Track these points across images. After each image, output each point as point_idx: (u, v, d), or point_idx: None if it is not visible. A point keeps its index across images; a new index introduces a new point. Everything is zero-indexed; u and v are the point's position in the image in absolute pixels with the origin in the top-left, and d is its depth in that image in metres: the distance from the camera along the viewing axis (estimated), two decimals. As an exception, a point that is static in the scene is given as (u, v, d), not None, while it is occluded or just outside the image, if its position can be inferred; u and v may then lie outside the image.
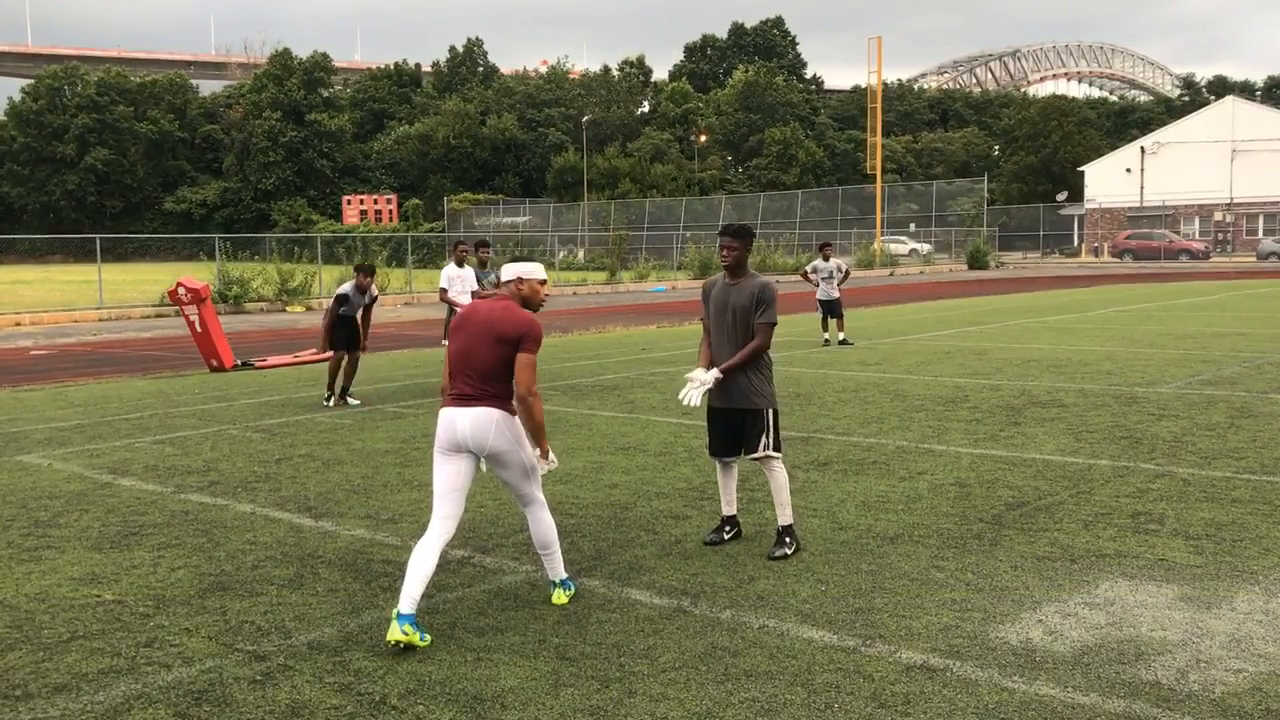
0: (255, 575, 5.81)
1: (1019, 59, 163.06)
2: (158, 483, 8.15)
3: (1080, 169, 77.83)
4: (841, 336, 17.69)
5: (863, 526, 6.54)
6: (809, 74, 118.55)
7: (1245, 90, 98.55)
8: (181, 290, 16.48)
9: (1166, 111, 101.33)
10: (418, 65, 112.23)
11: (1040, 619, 4.89)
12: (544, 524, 5.20)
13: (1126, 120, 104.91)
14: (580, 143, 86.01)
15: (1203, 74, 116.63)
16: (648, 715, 3.99)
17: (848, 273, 18.25)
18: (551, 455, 5.22)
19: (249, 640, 4.85)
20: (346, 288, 12.23)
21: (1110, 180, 74.39)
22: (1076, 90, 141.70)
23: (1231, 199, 68.62)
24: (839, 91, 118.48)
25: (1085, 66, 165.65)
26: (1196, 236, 68.03)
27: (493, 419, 4.93)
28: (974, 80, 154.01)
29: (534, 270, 5.22)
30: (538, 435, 5.11)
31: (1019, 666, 4.36)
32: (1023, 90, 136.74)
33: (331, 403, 11.99)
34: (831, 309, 17.78)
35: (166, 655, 4.69)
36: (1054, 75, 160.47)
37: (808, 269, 18.41)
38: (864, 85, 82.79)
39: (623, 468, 8.33)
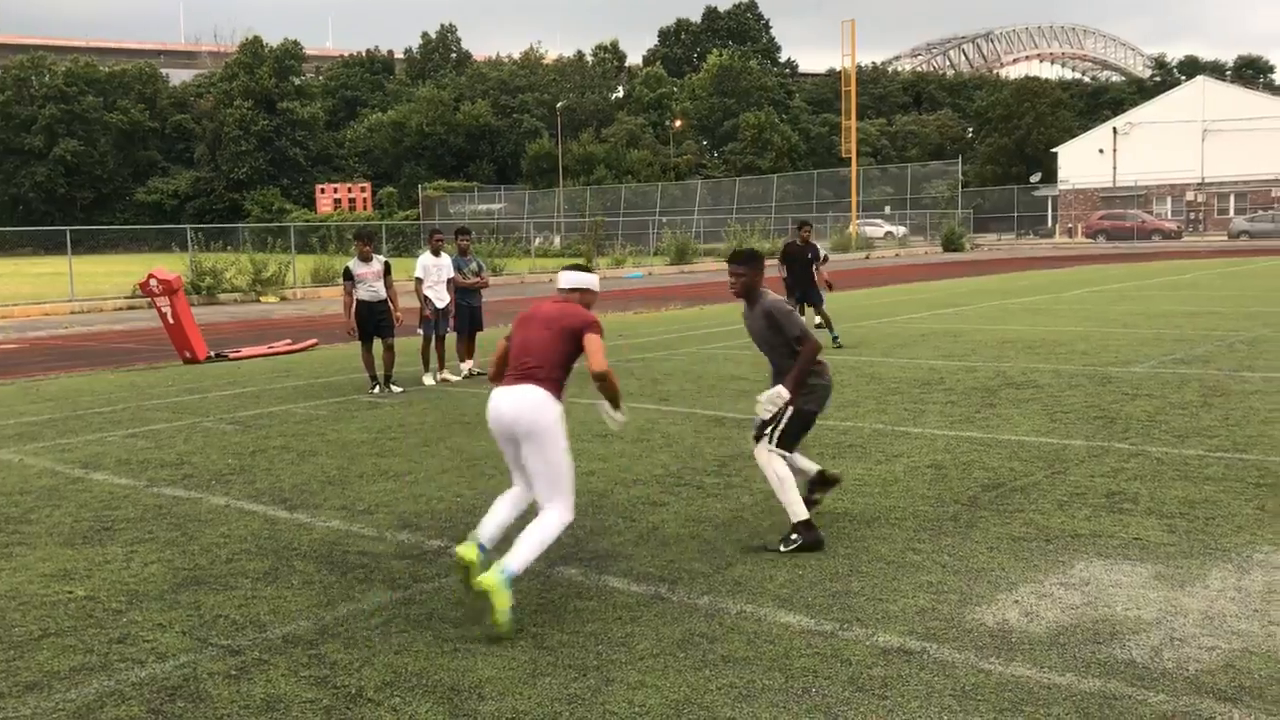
0: (229, 569, 5.77)
1: (992, 41, 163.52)
2: (130, 477, 8.08)
3: (1053, 150, 78.13)
4: (818, 321, 17.68)
5: (839, 510, 6.55)
6: (783, 58, 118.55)
7: (1215, 70, 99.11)
8: (153, 282, 16.32)
9: (1138, 92, 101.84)
10: (390, 52, 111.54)
11: (1016, 600, 4.91)
12: (547, 526, 4.94)
13: (1099, 101, 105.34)
14: (555, 129, 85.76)
15: (1174, 54, 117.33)
16: (625, 703, 3.98)
17: (825, 258, 18.23)
18: (622, 410, 5.37)
19: (223, 635, 4.81)
20: (351, 262, 12.11)
21: (1083, 161, 74.73)
22: (1049, 71, 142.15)
23: (1203, 178, 69.08)
24: (813, 75, 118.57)
25: (1058, 48, 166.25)
26: (1169, 216, 68.47)
27: (536, 395, 5.05)
28: (947, 63, 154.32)
29: (594, 281, 5.54)
30: (616, 400, 5.31)
31: (995, 648, 4.37)
32: (996, 72, 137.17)
33: (376, 390, 11.94)
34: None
35: (139, 651, 4.65)
36: (1026, 57, 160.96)
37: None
38: (838, 69, 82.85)
39: (599, 455, 8.32)
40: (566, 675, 4.25)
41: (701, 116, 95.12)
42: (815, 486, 6.30)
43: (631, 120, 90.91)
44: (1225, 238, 60.27)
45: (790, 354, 5.94)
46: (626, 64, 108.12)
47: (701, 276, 38.29)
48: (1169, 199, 70.95)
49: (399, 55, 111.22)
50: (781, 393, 5.84)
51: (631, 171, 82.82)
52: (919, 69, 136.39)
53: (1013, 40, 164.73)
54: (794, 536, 5.80)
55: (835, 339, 17.36)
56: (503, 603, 4.63)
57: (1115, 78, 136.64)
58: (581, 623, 4.80)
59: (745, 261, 6.07)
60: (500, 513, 5.16)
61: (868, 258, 51.69)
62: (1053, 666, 4.17)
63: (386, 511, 6.86)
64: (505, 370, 5.26)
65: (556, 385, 5.14)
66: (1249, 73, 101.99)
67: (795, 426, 5.95)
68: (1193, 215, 69.01)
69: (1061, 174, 76.09)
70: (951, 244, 58.97)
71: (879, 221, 70.84)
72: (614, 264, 44.52)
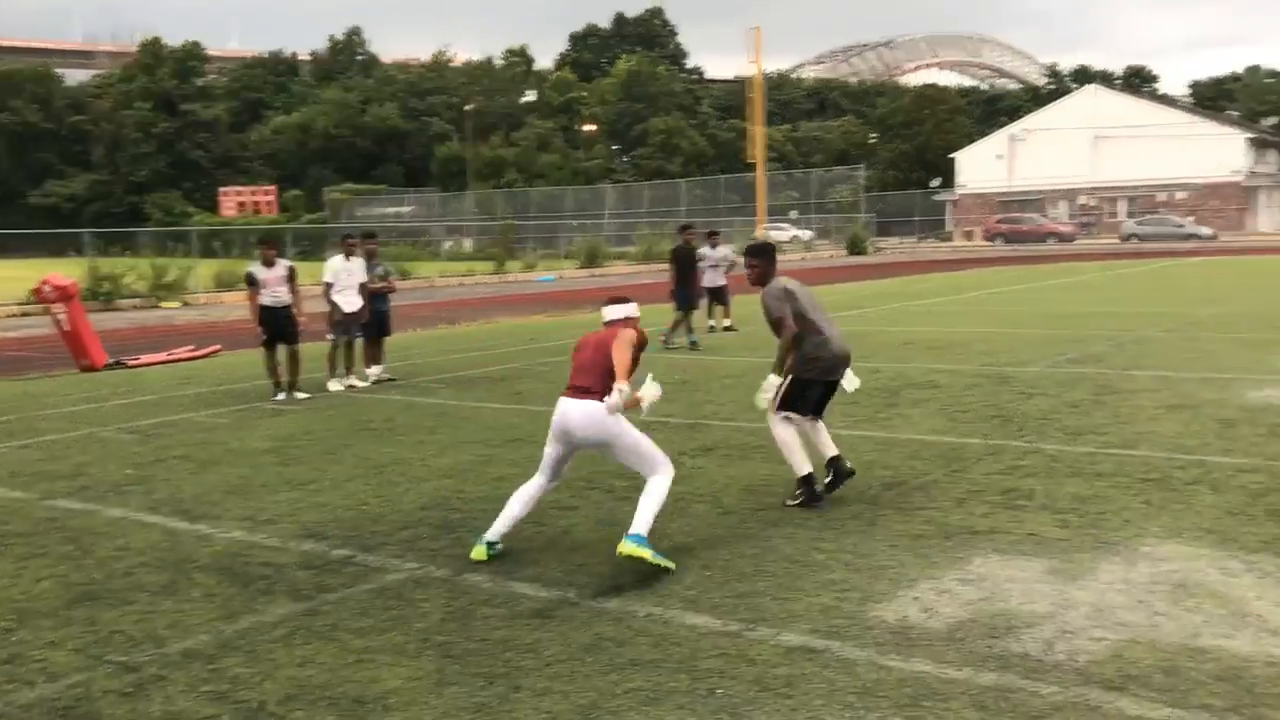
0: (126, 583, 5.62)
1: (893, 49, 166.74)
2: (22, 489, 7.82)
3: (952, 156, 80.00)
4: (727, 323, 17.87)
5: (746, 510, 6.64)
6: (690, 64, 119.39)
7: (1106, 79, 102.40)
8: (47, 288, 15.83)
9: (1033, 99, 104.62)
10: (294, 54, 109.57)
11: (916, 596, 5.03)
12: (658, 489, 5.64)
13: (995, 108, 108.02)
14: (464, 132, 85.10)
15: (1067, 63, 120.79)
16: (532, 710, 3.98)
17: (734, 264, 18.41)
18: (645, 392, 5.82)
19: (119, 651, 4.69)
20: (254, 267, 11.90)
21: (981, 166, 76.67)
22: (948, 79, 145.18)
23: (1095, 183, 71.35)
24: (720, 81, 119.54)
25: (956, 56, 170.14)
26: (1064, 219, 70.55)
27: (597, 412, 5.64)
28: (850, 70, 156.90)
29: (634, 308, 6.19)
30: (623, 369, 5.73)
31: (896, 644, 4.48)
32: (896, 80, 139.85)
33: (281, 397, 11.73)
34: (718, 296, 17.95)
35: (29, 671, 4.51)
36: (926, 65, 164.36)
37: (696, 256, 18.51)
38: (744, 75, 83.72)
39: (510, 460, 8.29)
40: (473, 684, 4.23)
41: (611, 121, 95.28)
42: (831, 472, 6.76)
43: (542, 124, 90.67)
44: (1117, 240, 62.28)
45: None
46: (536, 68, 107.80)
47: (613, 280, 38.35)
48: (1063, 203, 73.16)
49: (304, 57, 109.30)
50: (772, 382, 6.67)
51: (542, 175, 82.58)
52: (823, 76, 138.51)
53: (913, 48, 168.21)
54: (798, 493, 6.59)
55: (720, 327, 17.59)
56: (648, 555, 5.38)
57: (1012, 85, 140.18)
58: (489, 630, 4.79)
59: (759, 254, 6.94)
60: (513, 510, 5.95)
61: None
62: (950, 661, 4.29)
63: (290, 521, 6.75)
64: (568, 384, 5.91)
65: (609, 392, 5.67)
66: (1137, 81, 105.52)
67: (793, 390, 6.67)
68: (1086, 219, 71.21)
69: (960, 179, 77.96)
70: (856, 247, 59.96)
71: (786, 226, 71.68)
72: (525, 268, 44.35)
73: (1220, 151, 68.07)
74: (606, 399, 5.61)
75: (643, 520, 5.51)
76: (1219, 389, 10.37)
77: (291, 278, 11.93)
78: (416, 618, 4.97)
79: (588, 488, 7.34)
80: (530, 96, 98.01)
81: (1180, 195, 68.80)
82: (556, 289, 34.47)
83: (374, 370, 12.95)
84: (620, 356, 5.70)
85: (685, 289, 16.20)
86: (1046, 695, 3.95)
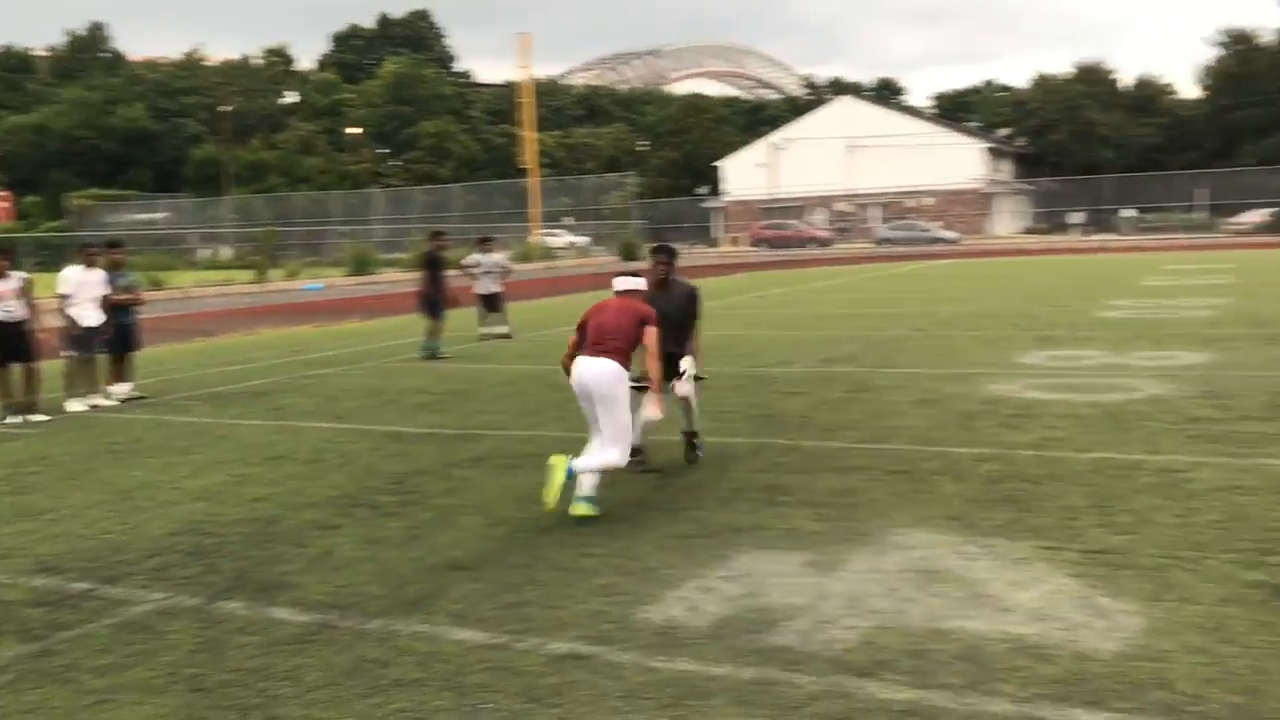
0: None
1: (660, 57, 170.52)
2: None
3: (718, 164, 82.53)
4: (502, 330, 17.77)
5: (517, 520, 6.59)
6: (460, 67, 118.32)
7: (858, 91, 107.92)
8: None
9: (793, 110, 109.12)
10: (28, 50, 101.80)
11: (682, 596, 5.12)
12: (608, 456, 6.59)
13: (758, 118, 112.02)
14: (220, 134, 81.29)
15: (822, 75, 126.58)
16: (290, 740, 3.81)
17: (509, 270, 18.32)
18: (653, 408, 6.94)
19: None
20: None
21: (745, 174, 79.44)
22: (713, 89, 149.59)
23: (850, 190, 75.15)
24: (491, 86, 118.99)
25: (721, 66, 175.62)
26: (822, 225, 73.97)
27: (612, 369, 6.67)
28: (619, 77, 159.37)
29: (643, 282, 7.29)
30: (656, 377, 6.91)
31: (661, 645, 4.53)
32: (664, 88, 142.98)
33: (16, 420, 10.78)
34: (492, 303, 17.85)
35: None
36: (693, 74, 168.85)
37: (468, 263, 18.37)
38: (514, 80, 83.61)
39: (269, 479, 7.94)
40: (225, 718, 4.01)
41: (378, 124, 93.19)
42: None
43: (305, 126, 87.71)
44: (871, 244, 65.77)
45: (690, 330, 7.78)
46: (297, 69, 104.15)
47: (385, 287, 37.47)
48: (822, 209, 76.70)
49: (41, 53, 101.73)
50: (693, 364, 7.63)
51: (306, 179, 79.88)
52: (592, 83, 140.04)
53: (680, 57, 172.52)
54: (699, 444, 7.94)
55: (494, 334, 17.47)
56: (558, 478, 6.34)
57: (773, 95, 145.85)
58: (244, 659, 4.55)
59: (670, 253, 7.89)
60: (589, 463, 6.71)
61: (550, 267, 52.46)
62: (713, 658, 4.38)
63: (22, 555, 6.23)
64: (585, 347, 6.82)
65: (626, 358, 6.74)
66: (886, 93, 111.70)
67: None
68: (843, 224, 74.88)
69: (726, 186, 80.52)
70: (630, 253, 60.89)
71: (560, 232, 72.09)
72: (289, 276, 42.73)
73: (962, 160, 73.01)
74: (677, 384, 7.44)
75: (584, 463, 6.58)
76: (962, 384, 11.07)
77: (26, 290, 11.06)
78: (164, 651, 4.67)
79: (353, 505, 7.11)
80: (291, 97, 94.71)
81: (928, 201, 73.33)
82: (325, 298, 33.38)
83: (120, 388, 12.15)
84: (653, 365, 6.82)
85: (435, 297, 15.86)
86: (804, 685, 4.09)
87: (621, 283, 7.19)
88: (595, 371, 6.65)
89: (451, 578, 5.52)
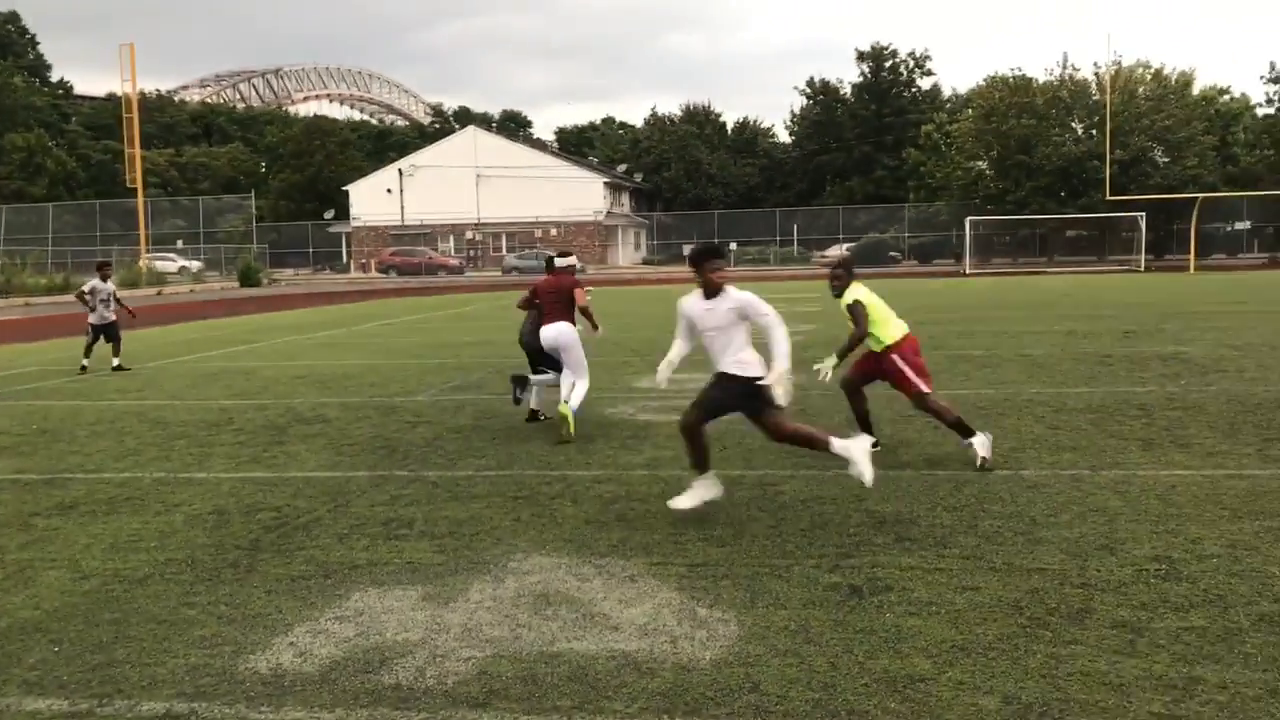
0: None
1: (282, 78, 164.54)
2: None
3: (345, 188, 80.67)
4: (116, 363, 16.34)
5: (109, 572, 6.04)
6: (55, 77, 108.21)
7: (485, 121, 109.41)
8: None
9: (421, 137, 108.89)
10: None
11: (292, 641, 4.89)
12: (582, 387, 9.89)
13: (385, 143, 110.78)
14: None
15: (450, 104, 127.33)
16: None
17: (113, 295, 16.91)
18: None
19: None
20: None
21: (373, 200, 78.18)
22: (338, 112, 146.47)
23: (479, 219, 75.89)
24: (92, 98, 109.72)
25: (346, 89, 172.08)
26: (453, 253, 74.14)
27: (566, 327, 9.91)
28: (238, 96, 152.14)
29: (575, 260, 10.54)
30: (594, 321, 10.38)
31: (268, 695, 4.31)
32: (286, 109, 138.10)
33: None
34: (109, 333, 16.45)
35: None
36: (316, 96, 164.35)
37: (85, 290, 16.80)
38: (119, 93, 77.44)
39: None
40: None
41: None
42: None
43: None
44: (500, 273, 66.69)
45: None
46: None
47: (-43, 318, 33.35)
48: (451, 237, 76.89)
49: None
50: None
51: None
52: (208, 100, 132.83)
53: (302, 78, 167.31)
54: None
55: (109, 365, 16.16)
56: (573, 422, 9.43)
57: (400, 122, 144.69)
58: None
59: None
60: (565, 382, 9.90)
61: (160, 293, 48.91)
62: (323, 704, 4.21)
63: None
64: (542, 316, 10.06)
65: (572, 318, 9.96)
66: (512, 125, 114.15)
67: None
68: (472, 253, 75.48)
69: (354, 211, 78.84)
70: (249, 279, 58.04)
71: (172, 256, 67.55)
72: None
73: (584, 193, 75.79)
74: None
75: (577, 398, 9.71)
76: (582, 408, 11.39)
77: None
78: None
79: (-93, 565, 6.23)
80: None
81: (554, 232, 75.42)
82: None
83: None
84: (589, 307, 10.13)
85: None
86: (417, 723, 4.02)
87: (559, 262, 10.31)
88: (555, 333, 9.87)
89: (28, 642, 4.97)
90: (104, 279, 16.82)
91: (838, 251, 66.41)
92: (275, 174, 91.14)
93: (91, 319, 16.60)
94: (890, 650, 4.57)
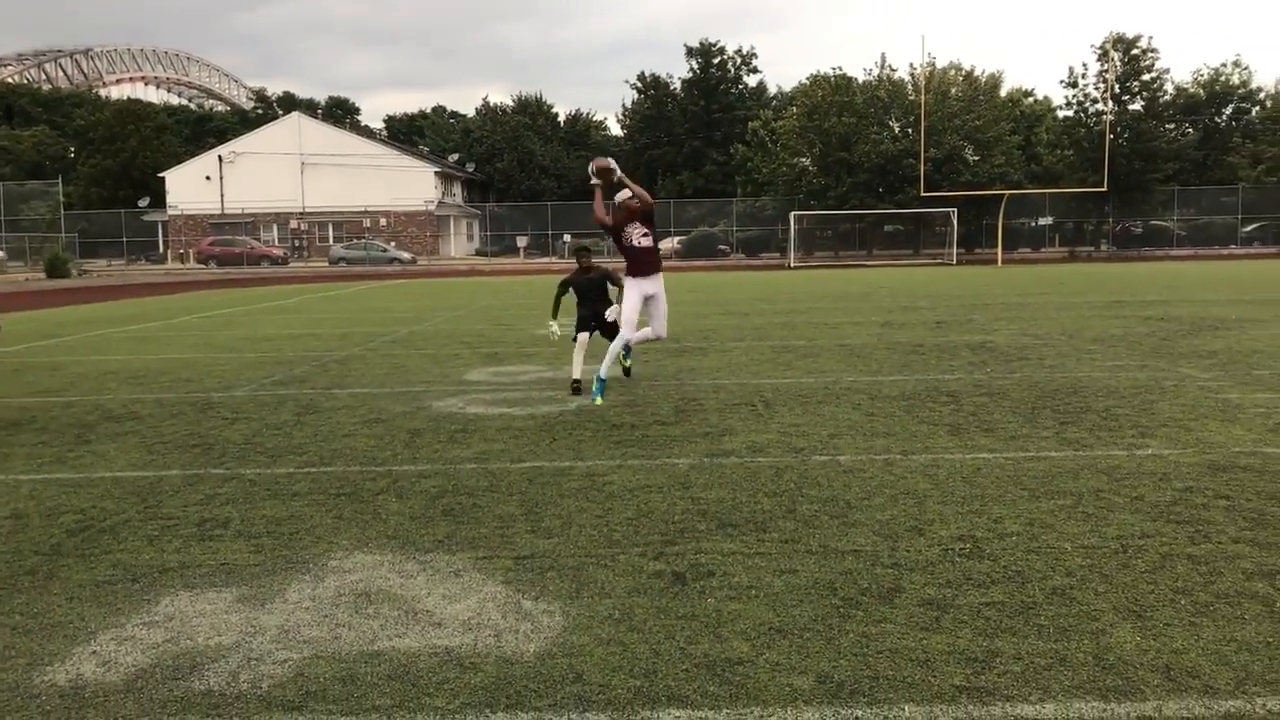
0: None
1: (93, 59, 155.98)
2: None
3: (161, 175, 77.12)
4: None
5: (-111, 584, 5.62)
6: None
7: (310, 108, 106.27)
8: None
9: (242, 123, 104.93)
10: None
11: (94, 650, 4.66)
12: (616, 343, 11.15)
13: (204, 129, 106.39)
14: None
15: (274, 89, 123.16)
16: None
17: None
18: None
19: None
20: None
21: (192, 187, 75.00)
22: (154, 95, 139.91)
23: (304, 208, 73.69)
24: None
25: (163, 72, 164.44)
26: (276, 243, 71.76)
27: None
28: (44, 76, 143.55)
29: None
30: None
31: (66, 709, 4.09)
32: (97, 91, 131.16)
33: None
34: None
35: None
36: (130, 79, 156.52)
37: None
38: (-96, 68, 71.94)
39: None
40: None
41: None
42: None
43: None
44: (327, 264, 64.95)
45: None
46: None
47: None
48: (275, 226, 74.40)
49: None
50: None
51: None
52: (10, 80, 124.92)
53: (115, 60, 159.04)
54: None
55: None
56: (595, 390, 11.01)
57: (220, 107, 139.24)
58: None
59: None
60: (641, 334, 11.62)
61: (-46, 286, 45.71)
62: (128, 715, 4.02)
63: None
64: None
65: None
66: (339, 113, 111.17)
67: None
68: (297, 243, 73.23)
69: (171, 199, 75.48)
70: (57, 270, 54.90)
71: (-32, 245, 63.23)
72: None
73: (415, 183, 74.49)
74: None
75: (605, 367, 11.07)
76: (410, 402, 11.24)
77: None
78: None
79: None
80: None
81: (383, 222, 73.88)
82: None
83: None
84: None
85: None
86: (228, 729, 3.88)
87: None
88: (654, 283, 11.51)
89: None
90: None
91: (668, 245, 67.34)
92: (85, 159, 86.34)
93: None
94: (711, 634, 4.66)
